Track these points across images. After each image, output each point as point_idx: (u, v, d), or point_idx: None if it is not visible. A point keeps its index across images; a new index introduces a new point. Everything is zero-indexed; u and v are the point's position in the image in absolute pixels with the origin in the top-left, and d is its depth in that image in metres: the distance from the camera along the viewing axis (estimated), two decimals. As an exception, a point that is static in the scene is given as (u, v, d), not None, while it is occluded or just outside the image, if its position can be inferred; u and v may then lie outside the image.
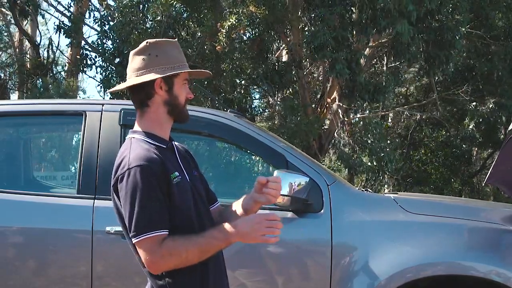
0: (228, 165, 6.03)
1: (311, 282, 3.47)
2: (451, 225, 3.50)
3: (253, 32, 10.79)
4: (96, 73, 13.18)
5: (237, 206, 2.38)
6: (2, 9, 14.71)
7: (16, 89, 14.60)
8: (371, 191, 4.02)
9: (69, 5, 12.34)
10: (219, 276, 2.30)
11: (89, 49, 11.56)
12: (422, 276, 3.36)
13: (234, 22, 9.42)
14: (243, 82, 11.56)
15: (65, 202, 3.58)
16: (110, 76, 10.57)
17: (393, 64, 12.34)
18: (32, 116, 4.05)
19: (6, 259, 3.53)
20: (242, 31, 10.03)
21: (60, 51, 15.67)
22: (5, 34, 16.17)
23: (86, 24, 12.67)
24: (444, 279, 3.43)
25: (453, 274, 3.37)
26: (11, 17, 14.52)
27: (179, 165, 2.28)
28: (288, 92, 11.86)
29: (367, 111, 12.54)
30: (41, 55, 13.71)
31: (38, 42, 14.43)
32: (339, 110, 10.83)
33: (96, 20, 11.06)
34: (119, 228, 2.67)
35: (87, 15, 12.34)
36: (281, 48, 12.54)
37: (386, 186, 12.48)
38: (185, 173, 2.27)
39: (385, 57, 12.07)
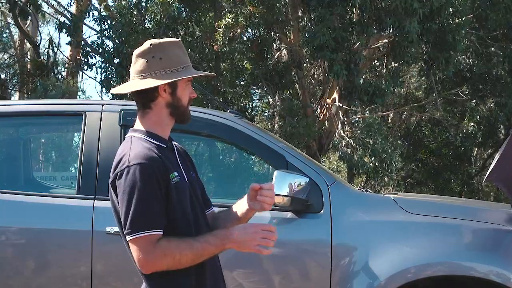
0: (228, 165, 6.02)
1: (311, 283, 3.46)
2: (451, 226, 3.50)
3: (253, 33, 10.79)
4: (96, 73, 13.20)
5: (232, 212, 2.37)
6: (2, 9, 14.71)
7: (17, 90, 14.60)
8: (371, 191, 4.02)
9: (69, 5, 12.36)
10: (216, 281, 2.29)
11: (89, 49, 11.55)
12: (422, 276, 3.36)
13: (231, 21, 9.41)
14: (242, 82, 11.56)
15: (65, 203, 3.58)
16: (110, 76, 10.56)
17: (393, 65, 12.31)
18: (32, 116, 4.04)
19: (6, 259, 3.52)
20: (240, 31, 10.03)
21: (61, 51, 15.68)
22: (5, 36, 16.17)
23: (86, 24, 12.68)
24: (444, 279, 3.43)
25: (453, 275, 3.37)
26: (11, 18, 14.53)
27: (179, 166, 2.27)
28: (288, 92, 11.85)
29: (368, 112, 12.52)
30: (41, 55, 13.71)
31: (39, 42, 14.43)
32: (339, 111, 10.82)
33: (96, 20, 11.05)
34: (119, 229, 2.66)
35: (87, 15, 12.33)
36: (281, 48, 12.53)
37: (386, 186, 12.46)
38: (184, 174, 2.26)
39: (384, 59, 12.05)
